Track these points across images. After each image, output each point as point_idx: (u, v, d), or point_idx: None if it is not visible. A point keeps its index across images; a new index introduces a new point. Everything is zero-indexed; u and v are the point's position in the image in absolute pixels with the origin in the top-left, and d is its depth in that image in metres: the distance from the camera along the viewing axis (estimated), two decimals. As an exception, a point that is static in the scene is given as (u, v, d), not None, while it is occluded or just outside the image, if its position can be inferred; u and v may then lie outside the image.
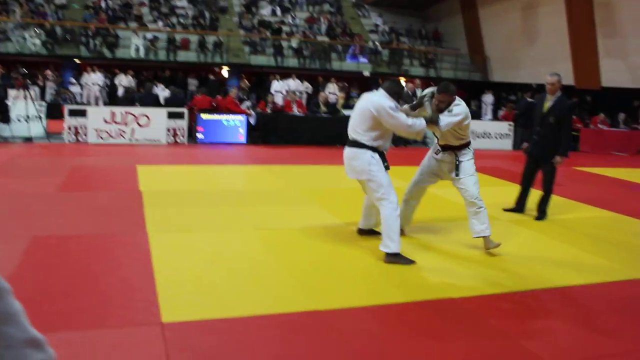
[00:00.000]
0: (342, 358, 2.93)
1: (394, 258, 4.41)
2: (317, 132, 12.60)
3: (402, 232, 4.86)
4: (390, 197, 4.46)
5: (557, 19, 19.29)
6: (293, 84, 18.74)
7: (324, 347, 3.02)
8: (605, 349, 3.23)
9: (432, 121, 4.62)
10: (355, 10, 25.80)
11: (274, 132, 12.37)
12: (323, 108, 13.29)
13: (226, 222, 5.55)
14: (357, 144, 4.56)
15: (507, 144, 14.00)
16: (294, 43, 21.02)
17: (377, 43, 22.52)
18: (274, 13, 23.42)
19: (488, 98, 20.58)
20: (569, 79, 18.90)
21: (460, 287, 4.02)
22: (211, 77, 20.05)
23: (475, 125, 14.08)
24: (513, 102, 17.47)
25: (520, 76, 21.60)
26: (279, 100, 15.41)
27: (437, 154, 5.13)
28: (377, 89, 4.70)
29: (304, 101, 17.05)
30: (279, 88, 18.31)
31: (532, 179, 6.51)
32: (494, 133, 14.08)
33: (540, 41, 20.57)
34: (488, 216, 4.84)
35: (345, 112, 13.34)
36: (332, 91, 18.38)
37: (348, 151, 4.66)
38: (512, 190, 7.01)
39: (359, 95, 19.54)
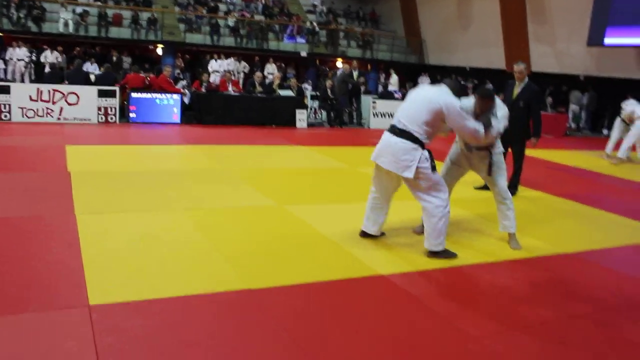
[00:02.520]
0: (273, 336, 2.98)
1: (439, 255, 4.35)
2: (252, 112, 12.52)
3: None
4: (442, 194, 4.25)
5: (490, 6, 19.88)
6: (230, 63, 18.47)
7: (255, 326, 3.06)
8: (525, 319, 3.43)
9: (486, 127, 4.25)
10: (294, -10, 25.60)
11: (209, 112, 12.19)
12: (259, 88, 13.20)
13: (157, 202, 5.46)
14: (409, 137, 4.13)
15: (441, 126, 14.39)
16: (231, 22, 20.66)
17: (314, 23, 22.45)
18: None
19: (424, 80, 21.00)
20: (501, 63, 19.59)
21: (390, 264, 4.15)
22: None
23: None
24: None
25: (455, 59, 22.17)
26: (215, 79, 15.17)
27: (469, 150, 4.73)
28: (438, 82, 4.47)
29: (240, 81, 16.87)
30: (217, 67, 18.01)
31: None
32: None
33: (475, 26, 21.16)
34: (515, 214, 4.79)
35: (281, 92, 13.31)
36: (271, 71, 18.26)
37: (396, 141, 4.18)
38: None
39: (294, 76, 19.51)
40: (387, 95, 14.96)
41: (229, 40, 20.39)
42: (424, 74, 21.53)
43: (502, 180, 4.71)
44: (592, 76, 17.36)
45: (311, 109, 14.27)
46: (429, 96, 4.17)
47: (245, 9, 22.32)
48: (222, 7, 21.86)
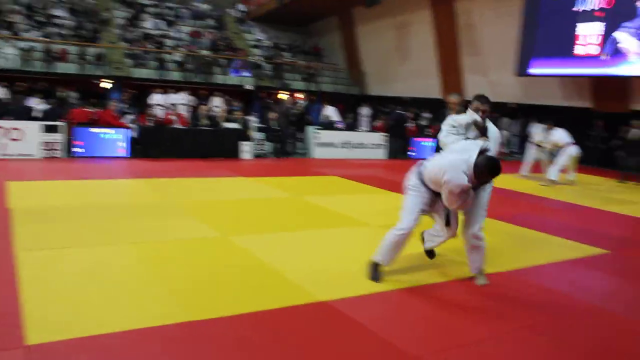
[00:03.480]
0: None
1: (370, 266, 4.60)
2: (198, 145, 12.61)
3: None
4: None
5: (426, 38, 20.81)
6: (175, 96, 18.49)
7: (202, 358, 3.12)
8: (463, 337, 3.62)
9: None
10: (238, 26, 26.00)
11: (156, 146, 12.20)
12: (205, 121, 13.31)
13: (101, 237, 5.45)
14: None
15: (381, 154, 14.87)
16: (178, 57, 20.75)
17: (260, 57, 22.84)
18: (157, 26, 22.98)
19: (364, 110, 21.58)
20: (436, 93, 20.43)
21: (332, 290, 4.30)
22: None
23: (352, 136, 14.86)
24: (386, 113, 18.50)
25: (394, 90, 22.96)
26: (159, 113, 15.16)
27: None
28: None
29: (187, 114, 16.90)
30: (161, 101, 17.98)
31: None
32: (369, 143, 14.88)
33: (412, 58, 22.05)
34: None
35: (227, 124, 13.45)
36: (217, 104, 18.37)
37: None
38: (387, 198, 7.48)
39: (240, 108, 19.69)
40: (330, 125, 15.36)
41: (176, 75, 20.47)
42: (364, 104, 22.13)
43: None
44: (522, 104, 18.32)
45: (257, 140, 14.46)
46: (444, 165, 4.20)
47: (192, 44, 22.49)
48: (169, 42, 21.95)
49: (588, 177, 13.44)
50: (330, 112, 16.88)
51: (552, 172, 11.30)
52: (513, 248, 6.11)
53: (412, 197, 4.53)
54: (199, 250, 5.22)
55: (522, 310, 4.20)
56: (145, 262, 4.76)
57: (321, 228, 6.36)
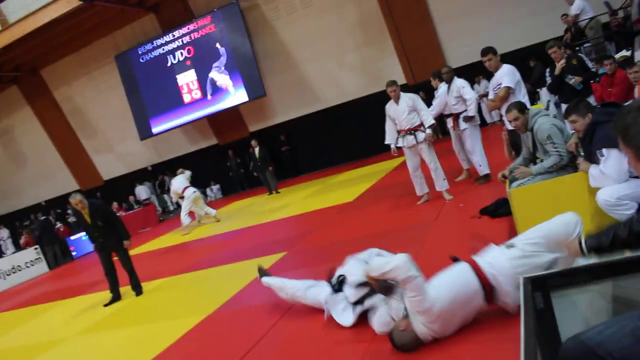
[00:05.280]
0: None
1: None
2: None
3: None
4: None
5: (37, 136, 19.49)
6: None
7: None
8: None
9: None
10: None
11: None
12: None
13: None
14: None
15: (41, 268, 13.26)
16: None
17: None
18: None
19: (3, 233, 19.06)
20: (72, 185, 19.36)
21: None
22: None
23: (2, 264, 12.84)
24: (29, 225, 16.71)
25: (24, 201, 20.95)
26: None
27: None
28: None
29: None
30: None
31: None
32: (24, 263, 13.12)
33: (32, 160, 20.37)
34: None
35: None
36: None
37: None
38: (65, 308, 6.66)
39: None
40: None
41: None
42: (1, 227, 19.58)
43: None
44: (157, 163, 18.81)
45: None
46: None
47: None
48: None
49: (241, 202, 14.60)
50: None
51: (183, 219, 11.56)
52: (219, 286, 6.14)
53: None
54: None
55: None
56: None
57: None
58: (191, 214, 11.91)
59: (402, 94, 6.79)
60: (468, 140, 7.24)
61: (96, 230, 6.57)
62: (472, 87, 8.07)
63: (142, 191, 18.41)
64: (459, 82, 7.29)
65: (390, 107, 6.85)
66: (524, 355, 1.37)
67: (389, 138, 6.98)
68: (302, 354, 3.64)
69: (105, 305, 6.73)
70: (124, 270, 6.81)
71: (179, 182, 11.76)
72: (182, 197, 11.72)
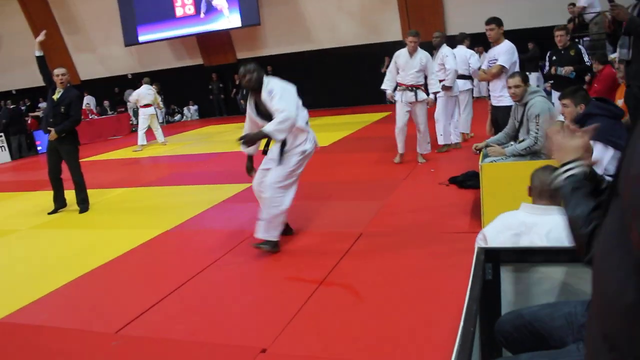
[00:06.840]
0: None
1: None
2: None
3: None
4: None
5: (16, 21, 18.69)
6: None
7: None
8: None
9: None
10: None
11: None
12: None
13: None
14: None
15: (3, 157, 12.99)
16: None
17: None
18: None
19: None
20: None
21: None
22: None
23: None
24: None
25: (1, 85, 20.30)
26: None
27: None
28: None
29: None
30: None
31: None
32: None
33: (7, 45, 19.60)
34: None
35: None
36: None
37: None
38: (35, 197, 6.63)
39: None
40: None
41: None
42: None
43: None
44: (138, 73, 18.28)
45: None
46: None
47: None
48: None
49: (216, 127, 14.47)
50: None
51: (140, 138, 11.43)
52: (176, 206, 6.13)
53: None
54: None
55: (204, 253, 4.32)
56: None
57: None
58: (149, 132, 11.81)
59: (419, 49, 6.66)
60: (437, 108, 7.31)
61: (54, 114, 6.12)
62: (479, 57, 8.15)
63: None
64: (444, 51, 7.29)
65: (401, 56, 6.70)
66: (464, 318, 1.43)
67: (387, 84, 6.86)
68: (249, 282, 3.73)
69: (49, 213, 6.31)
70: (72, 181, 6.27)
71: (144, 92, 11.61)
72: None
